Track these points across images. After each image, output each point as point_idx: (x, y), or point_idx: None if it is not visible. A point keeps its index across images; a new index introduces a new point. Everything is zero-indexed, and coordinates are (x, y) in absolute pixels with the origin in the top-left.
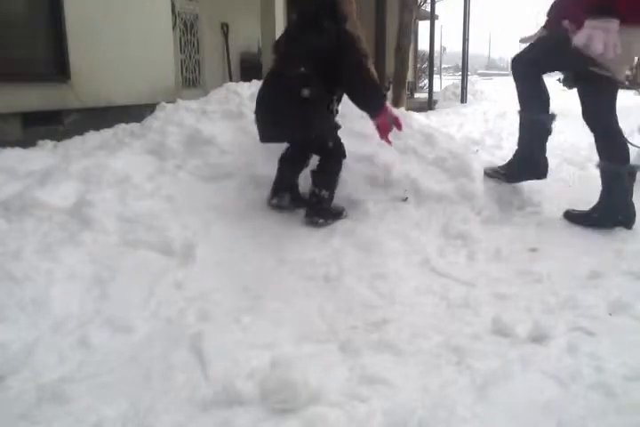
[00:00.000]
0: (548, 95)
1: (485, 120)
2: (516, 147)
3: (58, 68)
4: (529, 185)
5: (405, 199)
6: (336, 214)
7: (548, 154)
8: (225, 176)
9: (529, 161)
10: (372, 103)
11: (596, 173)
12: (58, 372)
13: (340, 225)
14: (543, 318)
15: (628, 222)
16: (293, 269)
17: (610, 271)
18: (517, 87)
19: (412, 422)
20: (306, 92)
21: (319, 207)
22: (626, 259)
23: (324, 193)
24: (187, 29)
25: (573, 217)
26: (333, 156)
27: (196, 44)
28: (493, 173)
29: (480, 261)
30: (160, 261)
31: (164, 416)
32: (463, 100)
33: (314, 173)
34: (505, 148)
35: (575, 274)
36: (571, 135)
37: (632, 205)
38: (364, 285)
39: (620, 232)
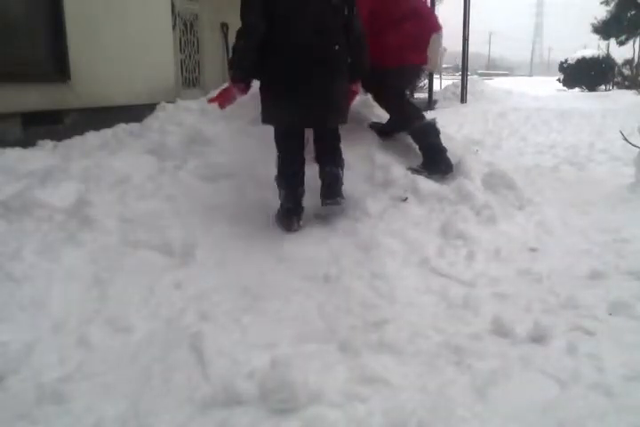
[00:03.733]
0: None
1: (485, 120)
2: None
3: (58, 67)
4: (529, 185)
5: (405, 199)
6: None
7: (548, 154)
8: (225, 176)
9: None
10: None
11: (595, 172)
12: (58, 372)
13: (339, 225)
14: (543, 318)
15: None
16: (293, 269)
17: (610, 271)
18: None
19: (411, 422)
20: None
21: (339, 186)
22: (626, 259)
23: (341, 171)
24: (187, 29)
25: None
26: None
27: (195, 44)
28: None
29: (480, 261)
30: (160, 261)
31: (164, 416)
32: (463, 100)
33: (324, 155)
34: (505, 148)
35: (575, 274)
36: (570, 135)
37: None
38: (363, 284)
39: (621, 232)
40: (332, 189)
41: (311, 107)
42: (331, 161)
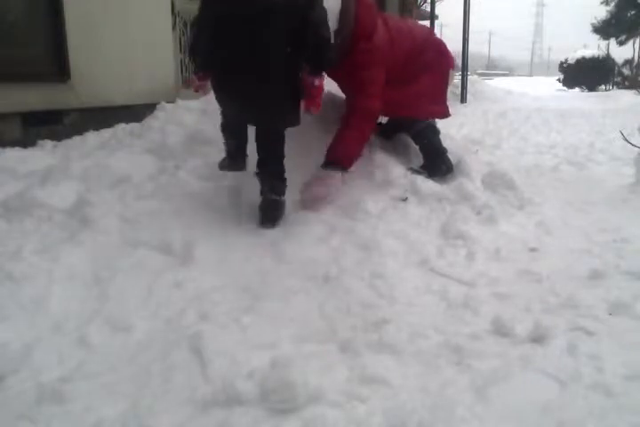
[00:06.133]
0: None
1: (485, 120)
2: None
3: (58, 67)
4: (529, 185)
5: (405, 199)
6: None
7: (548, 154)
8: (225, 176)
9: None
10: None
11: (595, 172)
12: (57, 372)
13: (339, 225)
14: (543, 318)
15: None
16: (293, 269)
17: (610, 271)
18: None
19: (411, 423)
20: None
21: (278, 214)
22: (626, 259)
23: (282, 198)
24: (187, 29)
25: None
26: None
27: None
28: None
29: (480, 261)
30: (160, 261)
31: (164, 416)
32: (463, 100)
33: (264, 176)
34: (505, 148)
35: (575, 274)
36: (569, 135)
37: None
38: (363, 285)
39: (621, 232)
40: (267, 216)
41: (243, 106)
42: (268, 185)
